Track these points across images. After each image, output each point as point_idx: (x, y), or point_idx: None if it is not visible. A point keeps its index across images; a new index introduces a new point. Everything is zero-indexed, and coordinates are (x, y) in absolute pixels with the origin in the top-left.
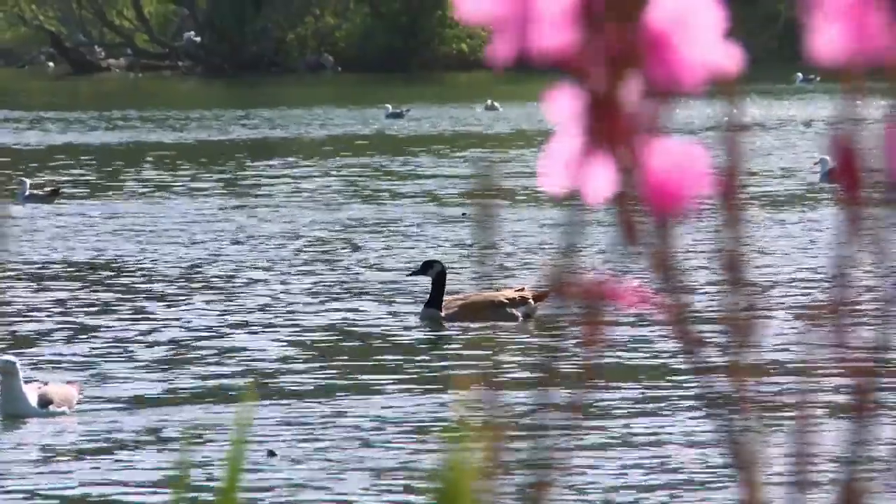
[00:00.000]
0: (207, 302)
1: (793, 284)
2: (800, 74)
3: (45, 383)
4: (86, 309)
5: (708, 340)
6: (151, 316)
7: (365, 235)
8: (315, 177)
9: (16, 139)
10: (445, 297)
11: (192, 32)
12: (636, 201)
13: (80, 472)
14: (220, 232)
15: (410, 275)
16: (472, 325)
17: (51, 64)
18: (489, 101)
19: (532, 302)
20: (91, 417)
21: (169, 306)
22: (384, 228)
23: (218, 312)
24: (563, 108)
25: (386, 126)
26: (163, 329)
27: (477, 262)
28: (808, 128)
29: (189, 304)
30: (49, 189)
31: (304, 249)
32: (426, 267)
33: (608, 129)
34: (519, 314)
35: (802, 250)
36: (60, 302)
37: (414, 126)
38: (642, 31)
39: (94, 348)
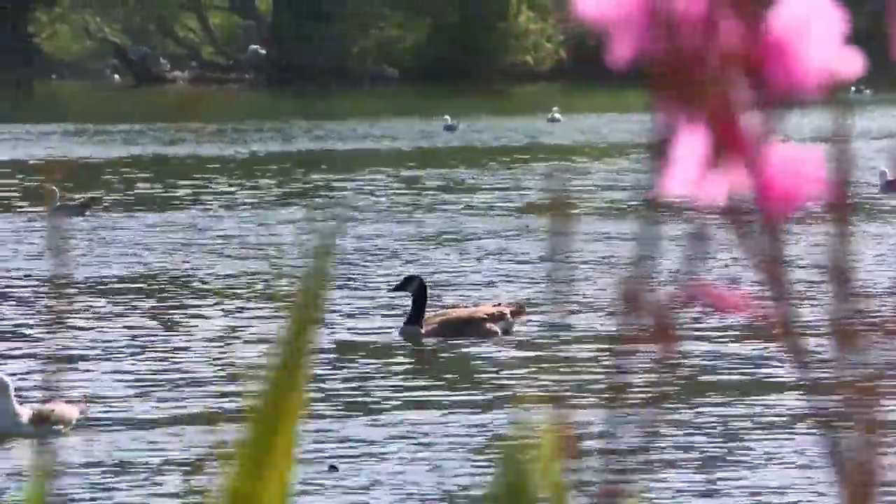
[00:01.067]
0: (256, 315)
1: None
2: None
3: (46, 401)
4: (111, 324)
5: (814, 353)
6: (184, 330)
7: (425, 248)
8: (372, 189)
9: (77, 151)
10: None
11: (257, 45)
12: (749, 209)
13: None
14: (274, 245)
15: (392, 290)
16: (451, 342)
17: (116, 76)
18: (553, 113)
19: (510, 317)
20: (93, 437)
21: (205, 320)
22: (442, 241)
23: (269, 324)
24: (676, 114)
25: (443, 138)
26: (196, 343)
27: (549, 276)
28: (865, 140)
29: (236, 317)
30: (80, 200)
31: (363, 263)
32: (407, 282)
33: (722, 135)
34: (498, 330)
35: (863, 261)
36: (86, 317)
37: (473, 138)
38: (762, 35)
39: (129, 364)
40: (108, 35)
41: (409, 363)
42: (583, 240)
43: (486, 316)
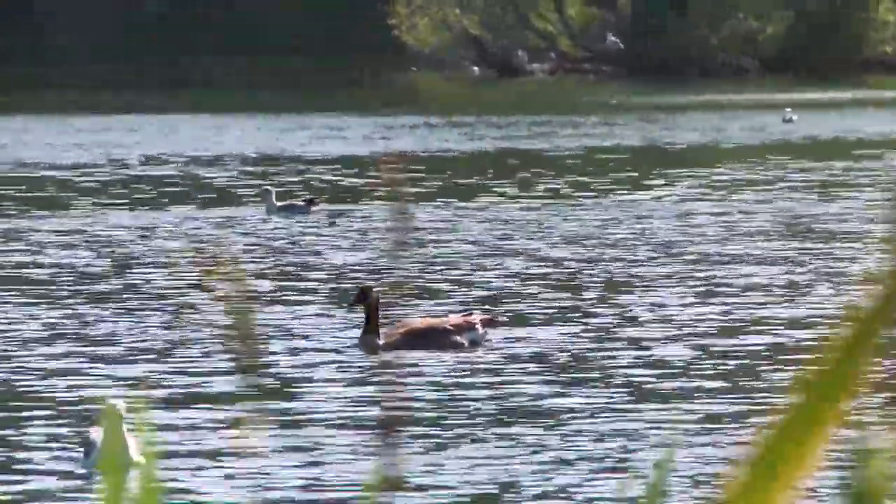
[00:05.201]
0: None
1: None
2: None
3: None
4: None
5: None
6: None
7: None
8: (707, 183)
9: (428, 144)
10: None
11: (615, 36)
12: None
13: None
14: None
15: (348, 304)
16: (413, 353)
17: (475, 68)
18: None
19: (480, 328)
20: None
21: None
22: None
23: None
24: None
25: (780, 132)
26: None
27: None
28: None
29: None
30: (305, 199)
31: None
32: (362, 296)
33: None
34: (465, 341)
35: None
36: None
37: (809, 131)
38: None
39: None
40: (466, 27)
41: None
42: None
43: (451, 327)
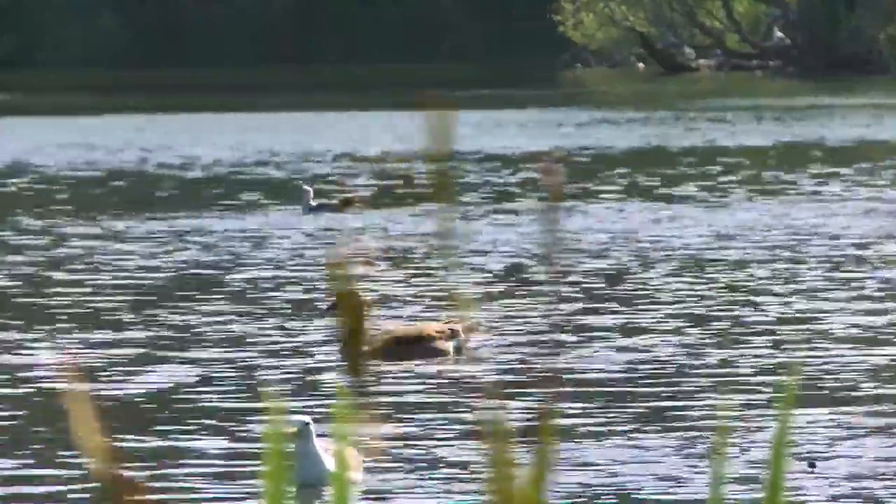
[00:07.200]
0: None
1: None
2: None
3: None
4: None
5: None
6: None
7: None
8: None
9: (588, 140)
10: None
11: (782, 32)
12: None
13: None
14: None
15: (327, 310)
16: (397, 361)
17: (641, 65)
18: None
19: (462, 335)
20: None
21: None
22: None
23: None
24: None
25: None
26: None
27: None
28: None
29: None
30: (340, 199)
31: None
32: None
33: None
34: (449, 348)
35: None
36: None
37: None
38: None
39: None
40: (633, 24)
41: None
42: None
43: (435, 334)
